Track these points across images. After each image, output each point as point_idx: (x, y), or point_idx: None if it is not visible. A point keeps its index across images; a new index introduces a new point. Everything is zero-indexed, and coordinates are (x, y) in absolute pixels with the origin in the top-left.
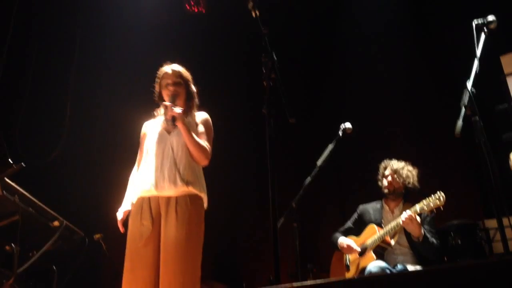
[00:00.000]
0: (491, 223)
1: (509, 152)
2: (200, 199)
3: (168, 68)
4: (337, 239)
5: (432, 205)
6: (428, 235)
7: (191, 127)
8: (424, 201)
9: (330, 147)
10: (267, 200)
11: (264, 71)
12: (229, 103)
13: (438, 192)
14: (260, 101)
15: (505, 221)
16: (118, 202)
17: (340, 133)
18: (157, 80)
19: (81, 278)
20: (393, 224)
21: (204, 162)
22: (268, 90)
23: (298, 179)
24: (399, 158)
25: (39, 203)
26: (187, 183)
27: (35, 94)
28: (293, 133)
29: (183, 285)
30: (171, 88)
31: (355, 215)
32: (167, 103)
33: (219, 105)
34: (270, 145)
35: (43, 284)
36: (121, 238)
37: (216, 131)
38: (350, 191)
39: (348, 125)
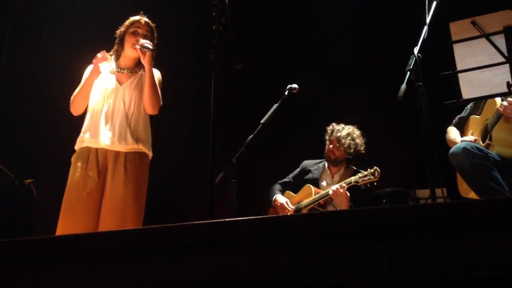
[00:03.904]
0: (423, 193)
1: (449, 123)
2: (147, 157)
3: (141, 17)
4: (273, 195)
5: (366, 179)
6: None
7: None
8: (359, 174)
9: (275, 106)
10: (207, 154)
11: (214, 15)
12: (175, 47)
13: (374, 167)
14: (209, 46)
15: (438, 192)
16: (57, 149)
17: (286, 92)
18: (125, 25)
19: (10, 222)
20: (326, 191)
21: (155, 111)
22: (217, 35)
23: (241, 136)
24: (341, 121)
25: None
26: (137, 141)
27: None
28: (240, 90)
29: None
30: (140, 39)
31: (297, 170)
32: (144, 41)
33: (163, 48)
34: (215, 91)
35: None
36: (54, 187)
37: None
38: (292, 152)
39: (294, 85)
